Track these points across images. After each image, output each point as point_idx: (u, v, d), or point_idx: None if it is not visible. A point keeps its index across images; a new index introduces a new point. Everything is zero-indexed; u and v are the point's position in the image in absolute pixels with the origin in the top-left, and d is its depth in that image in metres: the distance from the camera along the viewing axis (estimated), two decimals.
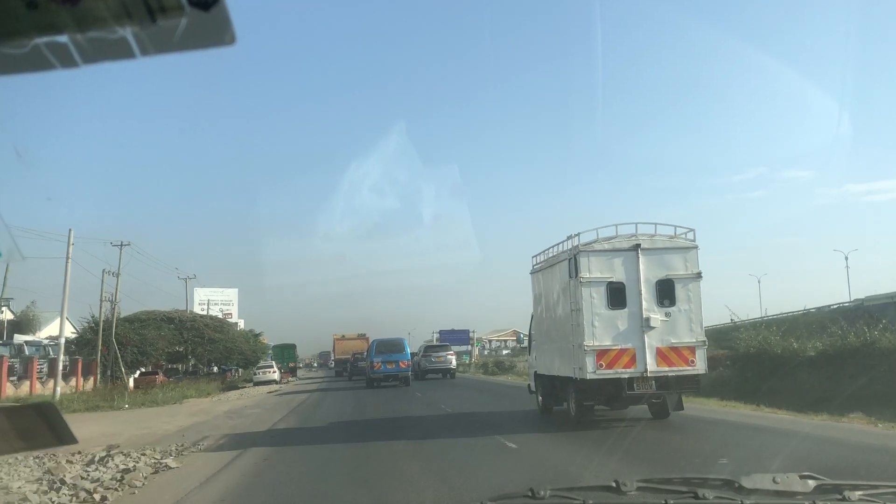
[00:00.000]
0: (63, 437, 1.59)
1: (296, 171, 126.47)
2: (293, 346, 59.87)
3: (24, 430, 1.53)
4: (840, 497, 2.29)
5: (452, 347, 45.50)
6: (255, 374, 47.36)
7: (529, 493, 2.38)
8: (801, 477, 2.37)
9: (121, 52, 1.00)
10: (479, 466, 10.08)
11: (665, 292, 12.85)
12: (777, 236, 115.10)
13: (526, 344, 20.90)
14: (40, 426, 1.54)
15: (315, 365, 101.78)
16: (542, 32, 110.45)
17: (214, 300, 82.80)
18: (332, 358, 57.88)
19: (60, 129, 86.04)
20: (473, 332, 74.56)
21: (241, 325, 74.24)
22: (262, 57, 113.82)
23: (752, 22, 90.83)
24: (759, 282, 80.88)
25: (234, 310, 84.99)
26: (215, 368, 56.39)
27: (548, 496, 2.37)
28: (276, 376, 46.00)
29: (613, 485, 2.36)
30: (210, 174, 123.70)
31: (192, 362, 53.51)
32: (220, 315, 78.16)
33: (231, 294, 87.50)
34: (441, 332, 70.62)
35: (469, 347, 73.55)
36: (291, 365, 56.62)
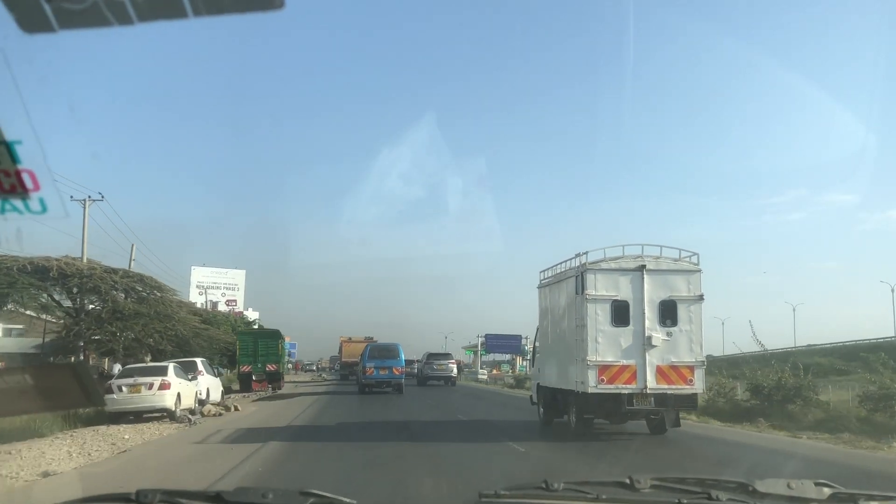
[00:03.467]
0: (93, 397, 1.57)
1: (325, 158, 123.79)
2: (276, 336, 34.71)
3: (57, 390, 1.51)
4: None
5: (499, 355, 43.59)
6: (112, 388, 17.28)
7: (543, 485, 2.33)
8: (816, 484, 2.30)
9: (174, 10, 0.99)
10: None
11: (667, 313, 12.75)
12: (817, 261, 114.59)
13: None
14: (72, 385, 1.52)
15: (324, 368, 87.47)
16: (577, 43, 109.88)
17: (216, 283, 68.75)
18: (339, 361, 52.38)
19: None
20: (527, 338, 64.13)
21: (253, 317, 61.04)
22: (303, 41, 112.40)
23: (793, 46, 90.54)
24: (794, 309, 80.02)
25: (240, 296, 71.42)
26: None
27: (561, 489, 2.31)
28: (170, 399, 17.51)
29: (627, 481, 2.30)
30: (242, 158, 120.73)
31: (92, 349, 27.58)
32: (223, 303, 63.64)
33: (237, 277, 72.36)
34: (487, 337, 62.66)
35: (510, 356, 63.44)
36: (272, 368, 32.37)
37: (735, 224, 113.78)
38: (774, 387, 19.08)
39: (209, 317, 43.54)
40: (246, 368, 32.51)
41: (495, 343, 59.34)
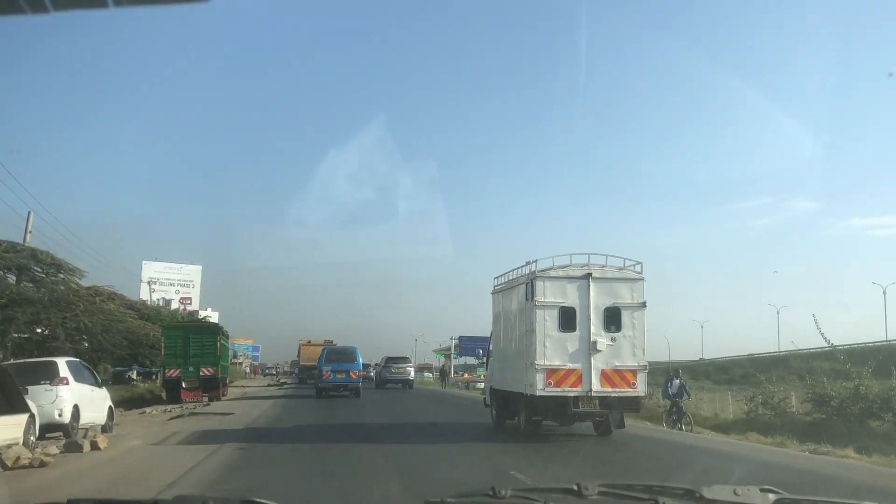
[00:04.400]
0: (15, 404, 1.57)
1: (276, 158, 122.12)
2: (213, 331, 28.33)
3: None
4: None
5: (473, 358, 43.05)
6: None
7: (490, 492, 2.26)
8: (762, 490, 2.30)
9: (93, 0, 0.92)
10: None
11: (612, 319, 13.21)
12: (783, 266, 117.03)
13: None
14: None
15: (285, 372, 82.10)
16: (530, 48, 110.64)
17: (170, 279, 64.52)
18: (298, 364, 50.30)
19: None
20: None
21: (212, 317, 56.77)
22: (253, 38, 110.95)
23: (750, 60, 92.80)
24: (778, 313, 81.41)
25: (196, 294, 66.28)
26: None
27: (508, 496, 2.25)
28: None
29: (575, 488, 2.24)
30: (188, 154, 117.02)
31: None
32: (176, 301, 60.14)
33: (192, 273, 67.06)
34: (461, 339, 61.81)
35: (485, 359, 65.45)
36: (207, 372, 25.70)
37: (702, 230, 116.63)
38: (850, 397, 15.87)
39: (151, 313, 37.72)
40: (173, 373, 25.34)
41: (470, 345, 56.04)
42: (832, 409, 15.91)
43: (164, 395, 26.12)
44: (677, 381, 19.09)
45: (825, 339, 19.31)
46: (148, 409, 22.08)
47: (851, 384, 15.65)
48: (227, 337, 35.15)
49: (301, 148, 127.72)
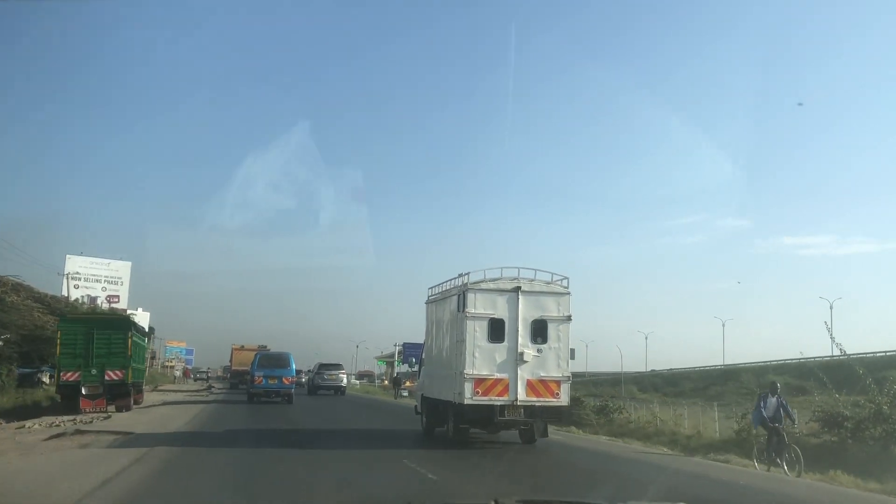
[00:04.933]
0: None
1: (199, 161, 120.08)
2: (123, 326, 23.24)
3: None
4: None
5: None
6: None
7: None
8: None
9: None
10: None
11: (539, 331, 13.70)
12: (713, 281, 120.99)
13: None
14: None
15: (217, 377, 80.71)
16: (463, 57, 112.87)
17: (96, 275, 60.89)
18: (230, 369, 49.13)
19: None
20: None
21: (142, 318, 53.99)
22: (175, 35, 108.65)
23: (683, 87, 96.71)
24: (723, 325, 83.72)
25: (125, 292, 62.65)
26: None
27: None
28: None
29: (493, 503, 2.16)
30: (114, 150, 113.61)
31: None
32: (103, 299, 57.45)
33: (121, 270, 62.63)
34: (405, 345, 59.18)
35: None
36: (115, 376, 21.25)
37: (641, 245, 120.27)
38: (870, 418, 13.75)
39: (66, 308, 33.72)
40: (70, 376, 20.96)
41: (414, 352, 56.22)
42: (847, 430, 13.95)
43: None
44: (774, 400, 13.32)
45: (840, 350, 17.09)
46: (29, 423, 17.17)
47: (869, 401, 13.94)
48: (145, 334, 31.28)
49: (229, 150, 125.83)
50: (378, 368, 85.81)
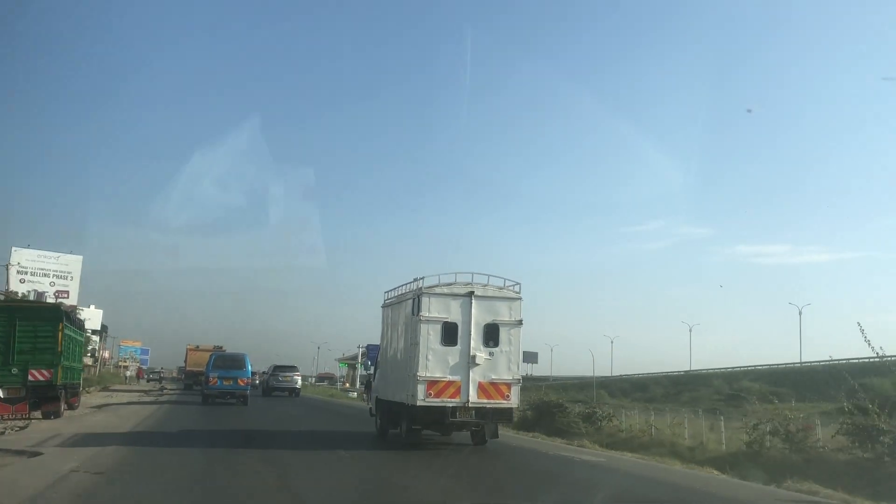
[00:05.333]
0: None
1: (143, 155, 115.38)
2: (52, 317, 19.23)
3: None
4: None
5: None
6: None
7: None
8: None
9: None
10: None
11: (491, 334, 14.03)
12: (673, 287, 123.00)
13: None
14: None
15: (172, 377, 79.88)
16: (418, 60, 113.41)
17: (44, 269, 58.64)
18: (185, 370, 48.43)
19: None
20: None
21: (93, 315, 53.55)
22: (122, 28, 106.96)
23: (637, 96, 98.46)
24: (690, 330, 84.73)
25: (75, 287, 59.74)
26: None
27: None
28: None
29: None
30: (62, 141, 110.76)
31: None
32: (52, 294, 54.72)
33: (71, 264, 59.88)
34: (368, 347, 61.35)
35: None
36: (40, 376, 17.94)
37: (603, 249, 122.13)
38: None
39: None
40: None
41: (376, 351, 56.14)
42: (884, 446, 12.21)
43: None
44: None
45: (874, 350, 13.84)
46: None
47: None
48: (83, 328, 27.62)
49: (177, 146, 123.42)
50: (340, 371, 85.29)
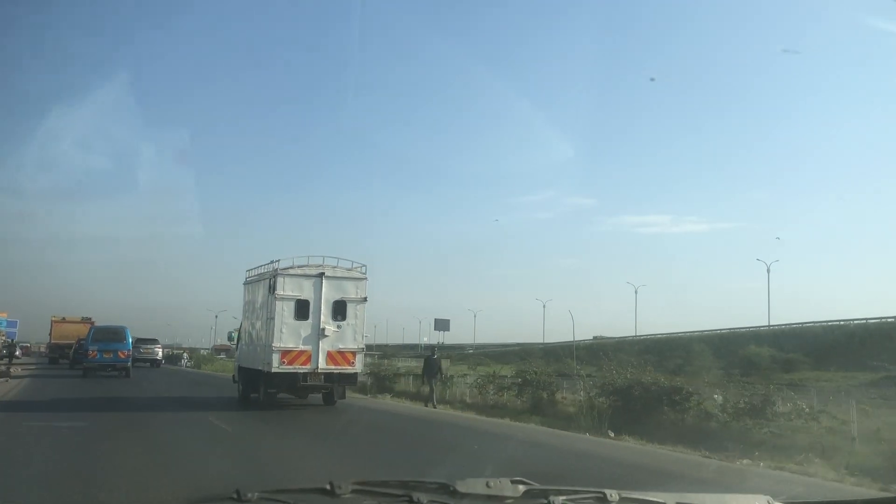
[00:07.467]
0: None
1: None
2: None
3: None
4: (546, 501, 2.25)
5: None
6: None
7: (235, 496, 2.13)
8: (513, 482, 2.33)
9: None
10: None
11: (339, 310, 16.08)
12: (559, 257, 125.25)
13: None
14: None
15: (38, 352, 72.09)
16: (306, 20, 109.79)
17: None
18: (50, 343, 45.55)
19: None
20: None
21: None
22: None
23: (529, 66, 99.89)
24: (544, 307, 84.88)
25: None
26: None
27: (255, 499, 2.14)
28: None
29: (328, 487, 2.20)
30: None
31: None
32: None
33: None
34: None
35: None
36: None
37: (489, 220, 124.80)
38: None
39: None
40: None
41: None
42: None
43: None
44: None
45: None
46: None
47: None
48: None
49: (32, 102, 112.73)
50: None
